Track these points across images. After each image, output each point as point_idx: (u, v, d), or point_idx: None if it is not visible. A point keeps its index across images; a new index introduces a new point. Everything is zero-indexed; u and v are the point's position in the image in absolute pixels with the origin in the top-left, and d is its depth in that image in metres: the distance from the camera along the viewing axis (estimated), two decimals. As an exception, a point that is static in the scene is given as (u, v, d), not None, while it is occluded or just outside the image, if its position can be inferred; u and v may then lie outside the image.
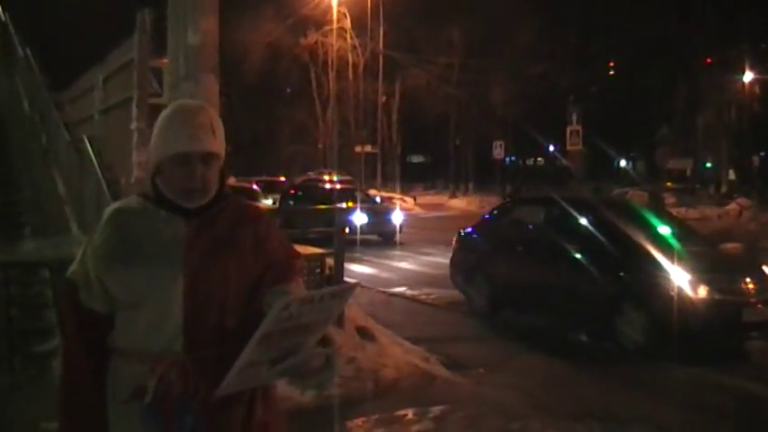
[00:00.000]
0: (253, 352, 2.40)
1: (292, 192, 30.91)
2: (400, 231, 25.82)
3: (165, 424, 2.56)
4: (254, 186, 31.68)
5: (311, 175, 44.79)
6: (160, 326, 2.58)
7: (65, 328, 2.77)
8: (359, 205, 25.25)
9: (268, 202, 30.14)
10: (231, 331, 2.64)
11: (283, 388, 7.05)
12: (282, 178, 42.97)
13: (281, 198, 30.73)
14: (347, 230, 22.90)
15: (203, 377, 2.57)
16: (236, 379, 2.43)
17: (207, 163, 2.64)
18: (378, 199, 31.92)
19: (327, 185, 31.17)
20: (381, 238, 25.47)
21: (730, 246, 18.10)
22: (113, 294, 2.65)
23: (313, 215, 20.74)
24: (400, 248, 22.61)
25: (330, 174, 41.61)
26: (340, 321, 9.03)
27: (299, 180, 40.29)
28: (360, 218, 24.20)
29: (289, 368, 2.52)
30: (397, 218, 26.47)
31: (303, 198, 28.65)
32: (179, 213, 2.67)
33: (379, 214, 26.33)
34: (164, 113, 2.72)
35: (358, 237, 22.31)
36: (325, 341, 2.59)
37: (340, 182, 33.44)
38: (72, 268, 2.75)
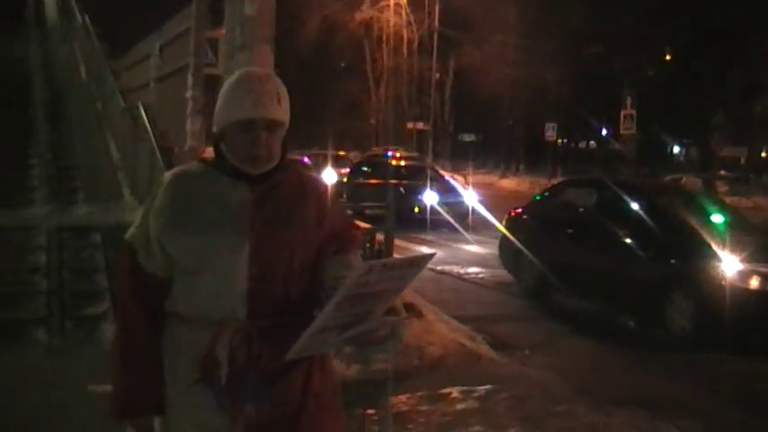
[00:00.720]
0: (328, 316, 2.39)
1: (360, 167, 30.30)
2: (473, 213, 24.44)
3: (230, 390, 2.56)
4: (306, 159, 31.59)
5: (375, 150, 44.03)
6: (223, 292, 2.58)
7: (122, 292, 2.77)
8: (429, 183, 24.74)
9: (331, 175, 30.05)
10: (293, 301, 2.65)
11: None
12: (342, 153, 42.31)
13: (349, 173, 30.13)
14: (417, 210, 22.60)
15: (265, 345, 2.58)
16: (307, 342, 2.44)
17: (271, 130, 2.64)
18: (449, 178, 30.52)
19: (395, 162, 30.84)
20: (453, 217, 24.32)
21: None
22: (175, 259, 2.65)
23: (384, 191, 20.67)
24: (451, 227, 22.51)
25: (396, 150, 41.17)
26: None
27: (365, 155, 39.62)
28: (431, 197, 23.76)
29: (357, 335, 2.51)
30: (471, 198, 25.46)
31: (372, 174, 27.85)
32: (242, 179, 2.67)
33: (450, 193, 25.50)
34: (230, 80, 2.73)
35: (428, 217, 22.23)
36: (392, 311, 2.58)
37: (406, 158, 32.54)
38: (131, 231, 2.76)
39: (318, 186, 2.85)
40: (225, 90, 2.70)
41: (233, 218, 2.62)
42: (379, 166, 29.12)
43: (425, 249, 17.83)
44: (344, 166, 32.67)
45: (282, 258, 2.61)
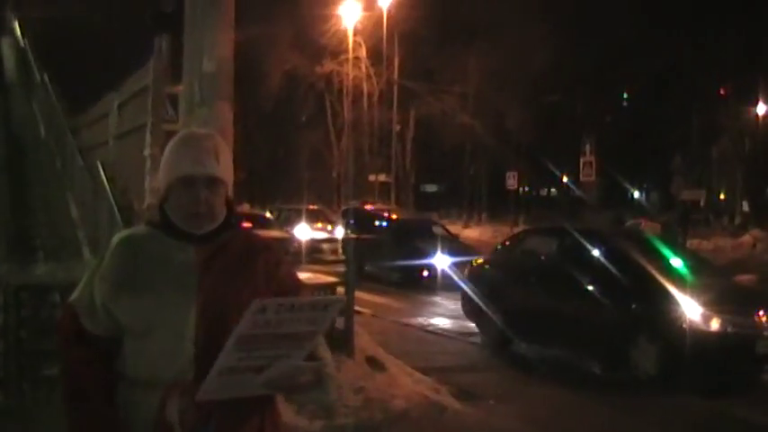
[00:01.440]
0: (230, 355, 2.39)
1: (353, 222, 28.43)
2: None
3: None
4: (267, 214, 31.29)
5: (352, 203, 42.49)
6: (172, 354, 2.56)
7: (68, 356, 2.73)
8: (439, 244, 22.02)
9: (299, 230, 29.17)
10: None
11: (292, 417, 7.04)
12: (313, 206, 40.14)
13: (345, 227, 28.25)
14: (425, 274, 21.09)
15: (215, 406, 2.56)
16: (216, 384, 2.42)
17: (211, 188, 2.65)
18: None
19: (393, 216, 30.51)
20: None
21: (744, 278, 18.01)
22: (122, 322, 2.63)
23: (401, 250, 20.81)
24: (413, 279, 22.41)
25: (373, 203, 40.33)
26: (350, 351, 9.03)
27: (343, 209, 36.47)
28: (442, 260, 20.86)
29: (276, 380, 2.50)
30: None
31: (364, 229, 25.73)
32: (188, 241, 2.67)
33: (462, 254, 20.50)
34: (171, 141, 2.77)
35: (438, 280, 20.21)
36: (314, 357, 2.59)
37: (393, 211, 32.39)
38: (75, 295, 2.74)
39: (266, 244, 2.86)
40: (167, 151, 2.74)
41: (180, 280, 2.61)
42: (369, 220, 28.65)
43: (387, 301, 17.81)
44: (320, 221, 31.38)
45: (230, 319, 2.55)
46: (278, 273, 2.78)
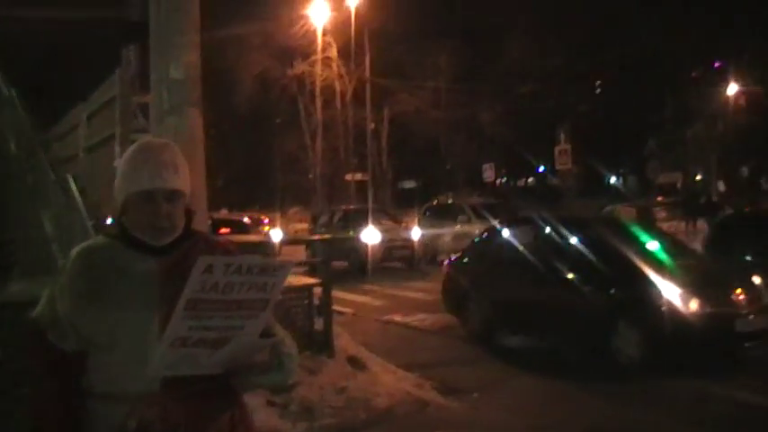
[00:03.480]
0: (180, 322, 2.36)
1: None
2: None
3: None
4: (245, 219, 31.21)
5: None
6: (136, 366, 2.52)
7: (35, 371, 2.71)
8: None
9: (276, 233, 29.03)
10: None
11: (276, 421, 7.02)
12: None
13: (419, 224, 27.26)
14: None
15: (183, 415, 2.54)
16: (169, 357, 2.40)
17: (171, 200, 2.64)
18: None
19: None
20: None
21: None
22: (85, 334, 2.61)
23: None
24: (393, 275, 22.47)
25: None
26: (330, 351, 9.02)
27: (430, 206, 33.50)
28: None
29: (229, 356, 2.47)
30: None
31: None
32: (148, 252, 2.64)
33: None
34: (127, 152, 2.74)
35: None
36: (267, 334, 2.56)
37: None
38: (37, 310, 2.72)
39: (227, 250, 2.83)
40: (123, 162, 2.71)
41: (141, 291, 2.59)
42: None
43: (368, 299, 17.80)
44: (385, 221, 27.39)
45: None
46: None
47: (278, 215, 40.86)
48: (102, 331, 2.58)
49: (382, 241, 24.20)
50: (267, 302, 2.47)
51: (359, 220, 25.78)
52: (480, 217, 24.54)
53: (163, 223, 2.63)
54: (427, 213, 29.99)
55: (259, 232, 27.35)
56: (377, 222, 25.59)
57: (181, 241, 2.70)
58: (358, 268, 23.22)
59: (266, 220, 35.37)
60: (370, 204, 31.84)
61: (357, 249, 23.66)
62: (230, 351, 2.45)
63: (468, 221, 25.86)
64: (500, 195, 43.32)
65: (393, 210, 36.51)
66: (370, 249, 23.64)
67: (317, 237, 24.57)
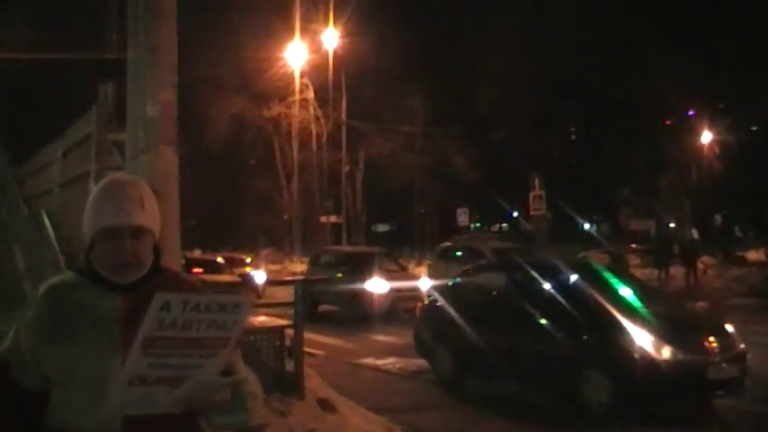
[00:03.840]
0: (137, 360, 2.33)
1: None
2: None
3: None
4: (219, 259, 31.05)
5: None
6: (96, 405, 2.46)
7: None
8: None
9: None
10: None
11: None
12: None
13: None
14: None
15: None
16: (125, 396, 2.36)
17: (137, 237, 2.62)
18: None
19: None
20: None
21: (698, 304, 18.18)
22: (47, 371, 2.58)
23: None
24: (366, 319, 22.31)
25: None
26: (301, 393, 8.96)
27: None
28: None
29: (188, 395, 2.42)
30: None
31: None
32: (114, 289, 2.62)
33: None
34: (95, 188, 2.72)
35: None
36: (232, 374, 2.53)
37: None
38: (4, 345, 2.69)
39: (195, 287, 2.81)
40: (91, 198, 2.69)
41: (104, 329, 2.56)
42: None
43: (340, 342, 17.73)
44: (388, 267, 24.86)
45: None
46: None
47: (251, 256, 40.70)
48: (62, 369, 2.54)
49: (389, 291, 22.10)
50: (227, 340, 2.44)
51: (362, 263, 23.62)
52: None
53: (127, 259, 2.60)
54: (440, 256, 28.15)
55: (232, 273, 27.03)
56: (382, 269, 23.33)
57: (148, 278, 2.66)
58: (360, 318, 21.44)
59: (248, 260, 35.33)
60: (376, 249, 29.15)
61: (358, 297, 21.94)
62: (188, 390, 2.41)
63: None
64: (522, 238, 42.15)
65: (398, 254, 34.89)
66: (375, 299, 21.85)
67: (318, 277, 23.48)
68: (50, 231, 11.59)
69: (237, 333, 2.45)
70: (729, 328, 10.70)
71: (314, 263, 26.80)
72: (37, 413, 2.61)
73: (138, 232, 2.62)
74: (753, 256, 40.47)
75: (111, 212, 2.60)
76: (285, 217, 58.94)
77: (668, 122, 50.81)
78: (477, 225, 67.00)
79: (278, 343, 9.46)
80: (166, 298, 2.32)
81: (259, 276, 28.96)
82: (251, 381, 2.70)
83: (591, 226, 69.12)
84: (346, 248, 31.48)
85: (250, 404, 2.60)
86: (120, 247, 2.59)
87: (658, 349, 9.76)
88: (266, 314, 11.11)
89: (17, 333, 2.67)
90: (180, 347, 2.36)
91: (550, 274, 11.92)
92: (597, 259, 28.50)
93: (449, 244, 29.86)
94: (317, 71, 51.02)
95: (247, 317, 2.49)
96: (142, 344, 2.32)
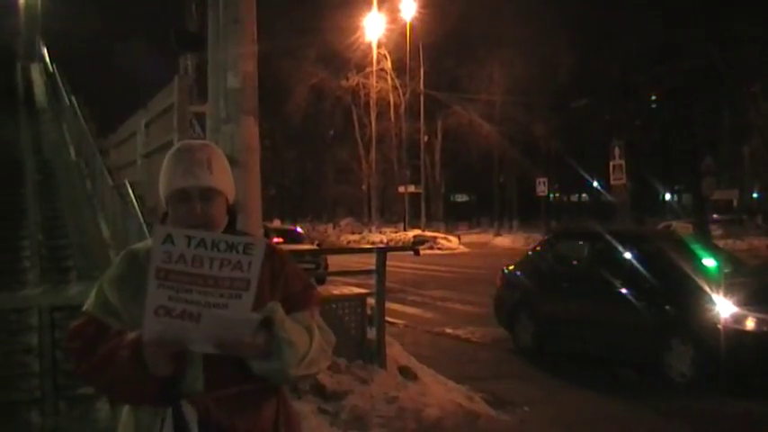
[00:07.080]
0: (154, 290, 2.39)
1: None
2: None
3: None
4: (298, 229, 31.29)
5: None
6: (180, 365, 2.51)
7: (89, 357, 2.62)
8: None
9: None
10: (250, 368, 2.58)
11: (325, 427, 7.04)
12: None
13: None
14: None
15: (225, 416, 2.55)
16: (157, 324, 2.40)
17: (207, 199, 2.65)
18: None
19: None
20: None
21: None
22: (128, 328, 2.59)
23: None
24: (445, 288, 22.36)
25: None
26: (382, 361, 9.02)
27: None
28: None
29: (214, 332, 2.42)
30: None
31: None
32: None
33: None
34: (167, 154, 2.76)
35: None
36: (267, 322, 2.51)
37: None
38: (89, 302, 2.72)
39: (271, 249, 2.77)
40: (164, 164, 2.74)
41: None
42: None
43: (419, 311, 17.76)
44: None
45: None
46: (283, 277, 2.75)
47: (330, 226, 41.05)
48: (138, 327, 2.52)
49: None
50: (248, 282, 2.45)
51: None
52: None
53: (198, 220, 2.62)
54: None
55: (312, 242, 27.33)
56: None
57: None
58: None
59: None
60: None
61: None
62: (211, 325, 2.42)
63: None
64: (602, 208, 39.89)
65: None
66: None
67: None
68: (134, 202, 11.80)
69: (257, 275, 2.46)
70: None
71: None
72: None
73: (208, 194, 2.65)
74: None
75: (179, 175, 2.64)
76: (364, 187, 59.20)
77: (753, 89, 49.51)
78: (557, 195, 66.50)
79: (359, 311, 9.51)
80: (168, 230, 2.41)
81: None
82: (315, 338, 2.67)
83: (672, 196, 68.09)
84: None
85: (286, 353, 2.55)
86: (191, 210, 2.63)
87: (742, 321, 9.62)
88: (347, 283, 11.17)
89: (100, 290, 2.71)
90: (196, 284, 2.41)
91: (632, 244, 11.79)
92: (681, 229, 28.07)
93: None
94: (394, 41, 51.00)
95: (261, 258, 2.47)
96: (155, 275, 2.39)
